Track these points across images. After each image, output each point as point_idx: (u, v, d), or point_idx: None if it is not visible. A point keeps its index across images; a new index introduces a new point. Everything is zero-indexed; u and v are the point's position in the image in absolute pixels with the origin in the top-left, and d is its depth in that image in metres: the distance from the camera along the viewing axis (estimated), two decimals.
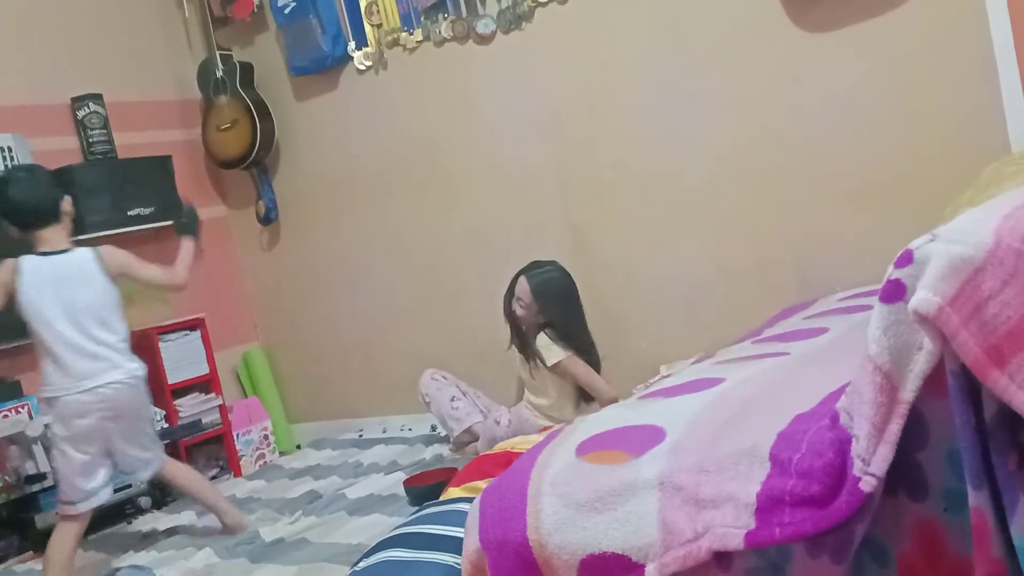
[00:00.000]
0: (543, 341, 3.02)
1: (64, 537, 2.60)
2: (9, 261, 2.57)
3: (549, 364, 3.00)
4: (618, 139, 3.27)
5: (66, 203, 2.67)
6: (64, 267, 2.60)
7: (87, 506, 2.63)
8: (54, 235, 2.62)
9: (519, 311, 3.06)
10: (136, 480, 3.18)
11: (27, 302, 2.56)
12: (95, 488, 2.65)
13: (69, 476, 2.61)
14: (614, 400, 2.91)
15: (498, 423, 3.05)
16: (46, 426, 3.32)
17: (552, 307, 3.04)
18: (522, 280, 3.06)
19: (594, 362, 3.06)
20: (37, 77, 3.72)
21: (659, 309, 3.27)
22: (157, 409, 3.66)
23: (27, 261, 2.58)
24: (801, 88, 2.89)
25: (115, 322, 2.70)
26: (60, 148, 3.73)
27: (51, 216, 2.62)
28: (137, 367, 2.72)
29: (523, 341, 3.09)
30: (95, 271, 2.66)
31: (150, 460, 2.83)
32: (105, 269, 2.68)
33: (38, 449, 3.29)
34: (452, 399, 3.26)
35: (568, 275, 3.10)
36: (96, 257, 2.68)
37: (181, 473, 2.95)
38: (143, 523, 3.26)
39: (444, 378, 3.34)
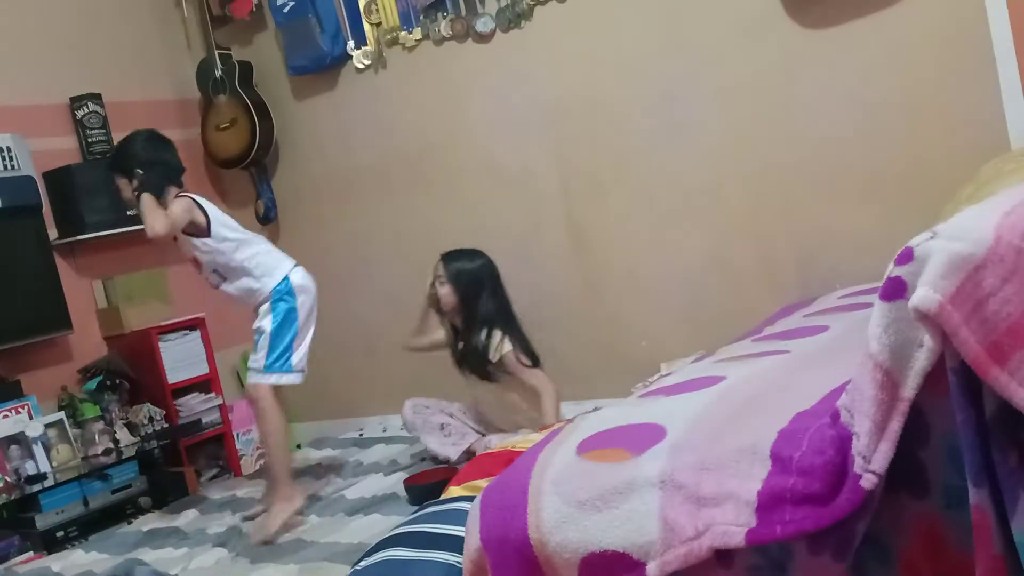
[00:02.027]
0: (495, 337, 2.94)
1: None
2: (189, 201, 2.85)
3: (494, 358, 2.93)
4: (618, 137, 3.26)
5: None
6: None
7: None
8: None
9: (439, 290, 2.97)
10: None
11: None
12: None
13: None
14: (557, 399, 2.91)
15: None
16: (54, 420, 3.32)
17: (471, 287, 2.94)
18: (439, 263, 3.00)
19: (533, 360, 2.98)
20: (36, 77, 3.72)
21: (660, 307, 3.27)
22: (157, 409, 3.67)
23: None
24: (801, 86, 2.89)
25: None
26: (59, 148, 3.73)
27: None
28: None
29: (458, 339, 3.02)
30: None
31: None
32: None
33: (38, 449, 3.29)
34: (442, 427, 3.08)
35: (489, 259, 3.02)
36: None
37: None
38: (143, 523, 3.26)
39: (426, 407, 3.16)
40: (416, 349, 3.25)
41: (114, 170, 2.94)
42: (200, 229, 2.84)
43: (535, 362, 3.00)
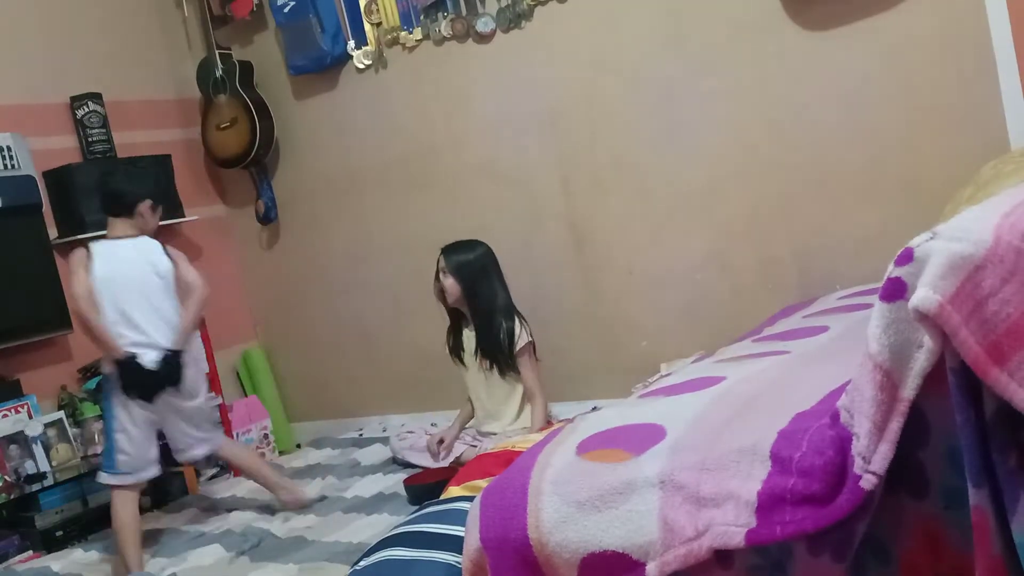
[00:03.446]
0: (517, 324, 2.95)
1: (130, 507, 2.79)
2: (83, 248, 2.80)
3: (518, 347, 2.93)
4: (618, 137, 3.27)
5: (144, 206, 2.86)
6: (128, 250, 2.82)
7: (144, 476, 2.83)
8: (121, 225, 2.85)
9: (444, 282, 3.00)
10: (190, 459, 3.10)
11: (99, 279, 2.74)
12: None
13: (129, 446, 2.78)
14: (546, 408, 2.93)
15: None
16: (45, 425, 3.33)
17: (474, 277, 2.97)
18: (440, 256, 3.03)
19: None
20: (36, 76, 3.72)
21: (659, 307, 3.27)
22: None
23: (97, 245, 2.81)
24: (801, 86, 2.89)
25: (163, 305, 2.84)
26: (59, 147, 3.73)
27: (123, 209, 2.85)
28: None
29: (459, 332, 3.06)
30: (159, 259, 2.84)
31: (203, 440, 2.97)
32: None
33: (38, 449, 3.29)
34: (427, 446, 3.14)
35: (488, 247, 3.05)
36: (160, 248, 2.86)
37: (237, 453, 3.13)
38: (143, 522, 3.25)
39: (410, 432, 3.23)
40: (449, 444, 3.14)
41: None
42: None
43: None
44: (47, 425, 3.37)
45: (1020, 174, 1.95)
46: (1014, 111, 2.51)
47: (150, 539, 3.02)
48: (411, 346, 3.87)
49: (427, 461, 3.11)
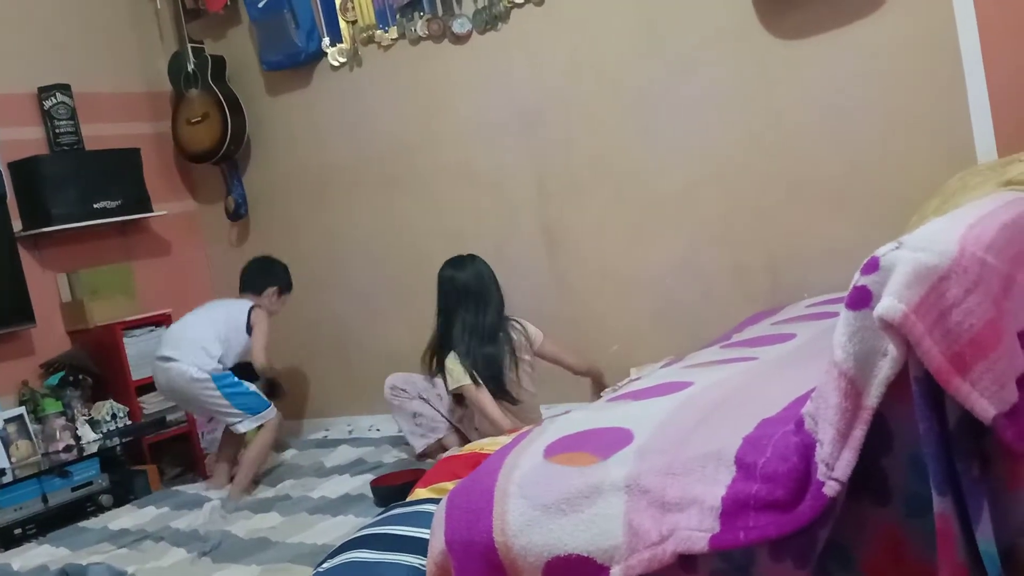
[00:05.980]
0: (450, 362, 2.85)
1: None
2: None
3: (451, 389, 2.87)
4: (593, 141, 3.27)
5: (269, 293, 3.53)
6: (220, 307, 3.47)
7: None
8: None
9: None
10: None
11: None
12: None
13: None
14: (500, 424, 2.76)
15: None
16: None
17: (440, 302, 2.93)
18: None
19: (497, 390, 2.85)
20: (3, 65, 3.65)
21: (631, 311, 3.28)
22: (121, 405, 3.62)
23: None
24: (775, 94, 2.91)
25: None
26: (26, 138, 3.67)
27: (248, 289, 3.52)
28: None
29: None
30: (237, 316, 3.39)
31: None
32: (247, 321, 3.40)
33: None
34: (415, 415, 3.15)
35: (452, 272, 2.93)
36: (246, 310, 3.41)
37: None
38: (104, 520, 3.21)
39: (404, 390, 3.18)
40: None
41: None
42: None
43: (507, 398, 2.86)
44: (7, 421, 3.31)
45: (986, 187, 1.98)
46: (981, 125, 2.55)
47: (110, 538, 2.98)
48: (381, 347, 3.85)
49: (408, 428, 3.17)
